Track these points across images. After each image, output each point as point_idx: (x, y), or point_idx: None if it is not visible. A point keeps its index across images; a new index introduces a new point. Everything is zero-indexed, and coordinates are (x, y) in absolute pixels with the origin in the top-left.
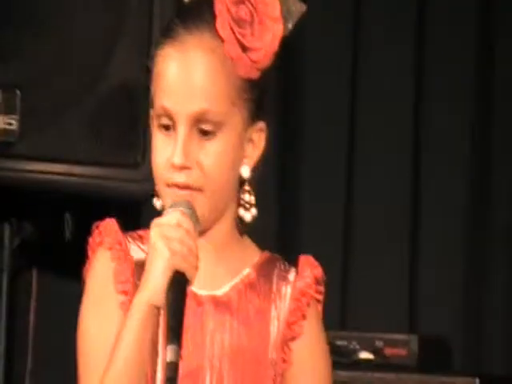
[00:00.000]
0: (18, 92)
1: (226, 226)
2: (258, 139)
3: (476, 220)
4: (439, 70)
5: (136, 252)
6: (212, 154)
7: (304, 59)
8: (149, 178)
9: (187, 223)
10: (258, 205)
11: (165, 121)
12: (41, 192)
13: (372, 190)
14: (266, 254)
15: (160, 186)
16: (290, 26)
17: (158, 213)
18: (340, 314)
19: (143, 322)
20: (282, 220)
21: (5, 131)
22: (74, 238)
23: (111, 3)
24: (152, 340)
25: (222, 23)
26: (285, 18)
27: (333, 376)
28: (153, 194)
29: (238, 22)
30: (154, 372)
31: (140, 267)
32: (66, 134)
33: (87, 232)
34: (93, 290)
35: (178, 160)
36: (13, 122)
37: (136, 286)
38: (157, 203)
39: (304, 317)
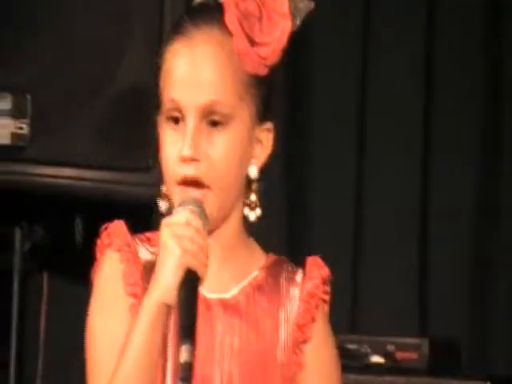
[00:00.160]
0: (28, 96)
1: (233, 226)
2: (265, 140)
3: (485, 222)
4: (449, 73)
5: (144, 254)
6: (221, 146)
7: (312, 57)
8: (159, 181)
9: (197, 221)
10: (266, 206)
11: (174, 113)
12: (51, 196)
13: (382, 190)
14: (272, 256)
15: (170, 185)
16: (297, 22)
17: (167, 216)
18: (351, 317)
19: (154, 320)
20: (291, 221)
21: (16, 135)
22: (84, 242)
23: (121, 5)
24: (162, 339)
25: (231, 18)
26: (292, 14)
27: (343, 379)
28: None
29: (247, 16)
30: (164, 372)
31: (149, 270)
32: (77, 138)
33: (97, 235)
34: (101, 291)
35: (187, 151)
36: (23, 126)
37: (145, 289)
38: (162, 205)
39: (313, 319)
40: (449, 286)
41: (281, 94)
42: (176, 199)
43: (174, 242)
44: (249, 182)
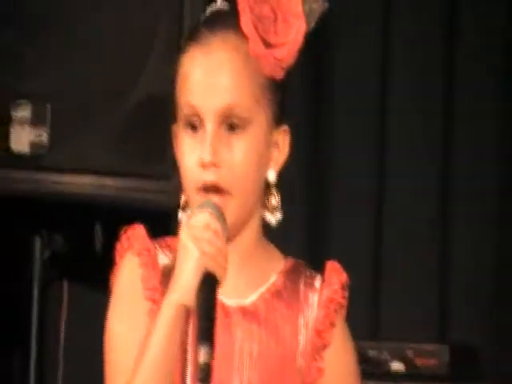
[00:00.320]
0: (47, 105)
1: (252, 232)
2: (282, 143)
3: (507, 229)
4: (468, 73)
5: (163, 259)
6: (240, 151)
7: (333, 56)
8: (178, 189)
9: (215, 224)
10: (286, 209)
11: (192, 119)
12: (71, 204)
13: (402, 197)
14: (291, 260)
15: (189, 192)
16: (312, 23)
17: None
18: (370, 323)
19: (173, 321)
20: (311, 225)
21: (35, 144)
22: (104, 250)
23: (141, 17)
24: (181, 341)
25: (246, 21)
26: (307, 15)
27: None
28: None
29: (261, 19)
30: (183, 374)
31: (167, 275)
32: (96, 146)
33: (117, 242)
34: (120, 295)
35: (207, 156)
36: (43, 134)
37: (163, 294)
38: (183, 217)
39: (333, 324)
40: (470, 294)
41: (303, 99)
42: (195, 206)
43: (193, 244)
44: (267, 186)
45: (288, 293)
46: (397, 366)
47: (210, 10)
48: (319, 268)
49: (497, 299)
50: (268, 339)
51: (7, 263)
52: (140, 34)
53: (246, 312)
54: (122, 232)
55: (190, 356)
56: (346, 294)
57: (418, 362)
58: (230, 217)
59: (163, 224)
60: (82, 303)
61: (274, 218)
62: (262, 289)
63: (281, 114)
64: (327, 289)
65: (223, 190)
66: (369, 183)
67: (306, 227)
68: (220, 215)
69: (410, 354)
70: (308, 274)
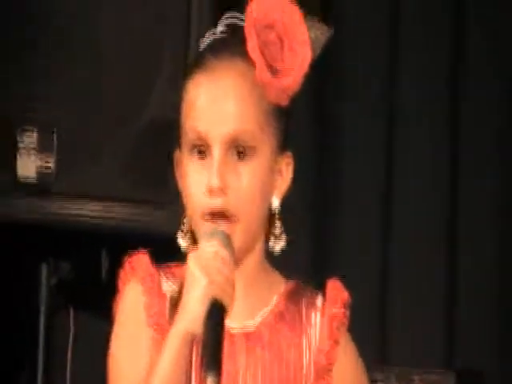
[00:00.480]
0: (54, 132)
1: (256, 257)
2: (286, 171)
3: None
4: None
5: (167, 287)
6: (247, 178)
7: (343, 59)
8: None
9: (224, 252)
10: (294, 227)
11: (198, 145)
12: (78, 231)
13: (410, 217)
14: (292, 281)
15: (195, 218)
16: (317, 51)
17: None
18: (377, 348)
19: (179, 349)
20: (318, 245)
21: (42, 171)
22: (110, 277)
23: (148, 43)
24: (186, 369)
25: (253, 47)
26: (312, 43)
27: None
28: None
29: (268, 45)
30: None
31: (172, 303)
32: (102, 173)
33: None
34: (123, 322)
35: (215, 182)
36: (49, 161)
37: (167, 322)
38: (183, 243)
39: (337, 342)
40: (477, 320)
41: (311, 122)
42: (202, 232)
43: (201, 272)
44: (271, 213)
45: (290, 314)
46: None
47: (211, 35)
48: (326, 282)
49: (503, 325)
50: (272, 362)
51: (14, 290)
52: (147, 60)
53: (250, 336)
54: (126, 259)
55: None
56: (348, 312)
57: None
58: (237, 242)
59: (169, 250)
60: (88, 330)
61: (277, 246)
62: (266, 311)
63: (285, 141)
64: (329, 307)
65: (230, 216)
66: (376, 198)
67: (313, 246)
68: (228, 243)
69: (416, 379)
70: (309, 294)
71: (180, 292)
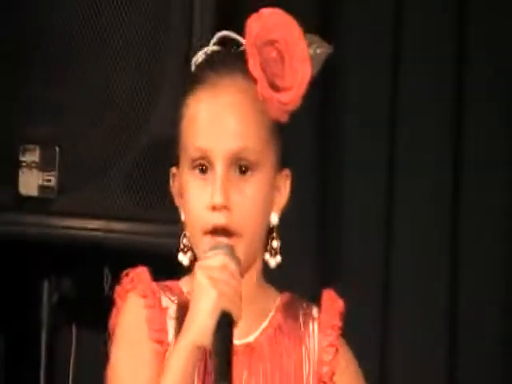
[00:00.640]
0: (56, 148)
1: (255, 273)
2: (283, 187)
3: None
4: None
5: (166, 302)
6: (249, 195)
7: (344, 60)
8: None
9: (231, 265)
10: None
11: (201, 161)
12: (80, 248)
13: (413, 226)
14: (286, 294)
15: (196, 235)
16: (317, 68)
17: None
18: (379, 373)
19: (187, 362)
20: (320, 259)
21: (43, 188)
22: (112, 294)
23: (150, 59)
24: (193, 382)
25: (254, 64)
26: (311, 59)
27: None
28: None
29: (269, 62)
30: None
31: (171, 318)
32: (105, 190)
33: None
34: (125, 336)
35: (218, 199)
36: (51, 178)
37: (168, 336)
38: (183, 259)
39: (337, 350)
40: (479, 346)
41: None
42: (205, 248)
43: (210, 284)
44: (269, 229)
45: (289, 326)
46: None
47: (203, 53)
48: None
49: (506, 353)
50: (273, 374)
51: (16, 307)
52: (150, 76)
53: (251, 350)
54: (124, 274)
55: None
56: (342, 322)
57: None
58: (239, 258)
59: (171, 267)
60: (90, 347)
61: (274, 261)
62: (265, 324)
63: (283, 158)
64: (326, 317)
65: (233, 232)
66: (378, 209)
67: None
68: (234, 256)
69: None
70: (304, 305)
71: (179, 306)
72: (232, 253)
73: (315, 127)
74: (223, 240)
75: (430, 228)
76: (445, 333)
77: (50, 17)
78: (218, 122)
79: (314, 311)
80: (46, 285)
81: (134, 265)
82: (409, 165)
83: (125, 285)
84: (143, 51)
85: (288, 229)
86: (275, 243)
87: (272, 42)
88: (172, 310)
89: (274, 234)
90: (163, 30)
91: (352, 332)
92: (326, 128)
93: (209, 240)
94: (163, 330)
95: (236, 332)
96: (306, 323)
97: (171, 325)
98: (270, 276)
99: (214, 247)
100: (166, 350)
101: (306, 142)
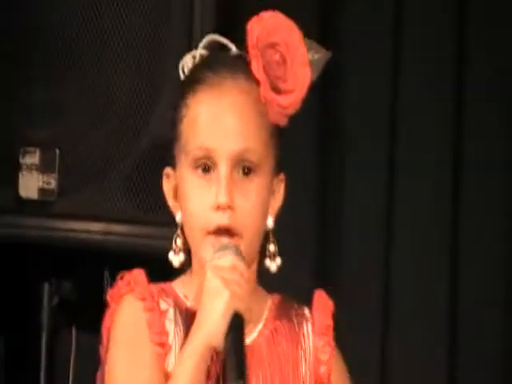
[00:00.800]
0: (56, 151)
1: (252, 275)
2: (278, 191)
3: None
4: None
5: (164, 305)
6: (252, 196)
7: (343, 59)
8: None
9: (241, 265)
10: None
11: (204, 161)
12: (80, 251)
13: (413, 228)
14: (276, 295)
15: (197, 235)
16: (316, 72)
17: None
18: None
19: (199, 363)
20: (320, 262)
21: (43, 190)
22: None
23: (150, 61)
24: (204, 380)
25: (258, 66)
26: (311, 64)
27: None
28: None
29: (272, 65)
30: None
31: (170, 320)
32: (105, 192)
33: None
34: (124, 338)
35: (223, 199)
36: (51, 181)
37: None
38: (174, 259)
39: (334, 349)
40: (479, 346)
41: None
42: (207, 248)
43: (223, 285)
44: (265, 232)
45: (284, 327)
46: None
47: (191, 57)
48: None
49: (506, 353)
50: (272, 375)
51: (16, 309)
52: (150, 78)
53: (250, 351)
54: (119, 277)
55: None
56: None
57: None
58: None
59: (170, 269)
60: (90, 350)
61: (275, 264)
62: (260, 326)
63: (279, 162)
64: (319, 317)
65: (235, 232)
66: (378, 209)
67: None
68: (242, 257)
69: None
70: (296, 305)
71: (177, 309)
72: (240, 253)
73: (315, 127)
74: (225, 240)
75: (430, 228)
76: (445, 333)
77: (49, 17)
78: (222, 122)
79: (306, 311)
80: (46, 287)
81: (133, 267)
82: (409, 165)
83: (120, 288)
84: (143, 53)
85: (288, 229)
86: (272, 247)
87: (273, 45)
88: (170, 312)
89: (271, 238)
90: (163, 32)
91: (352, 332)
92: (326, 128)
93: (212, 240)
94: (164, 332)
95: None
96: (299, 324)
97: (171, 327)
98: (269, 277)
99: (222, 248)
100: (167, 353)
101: (306, 141)
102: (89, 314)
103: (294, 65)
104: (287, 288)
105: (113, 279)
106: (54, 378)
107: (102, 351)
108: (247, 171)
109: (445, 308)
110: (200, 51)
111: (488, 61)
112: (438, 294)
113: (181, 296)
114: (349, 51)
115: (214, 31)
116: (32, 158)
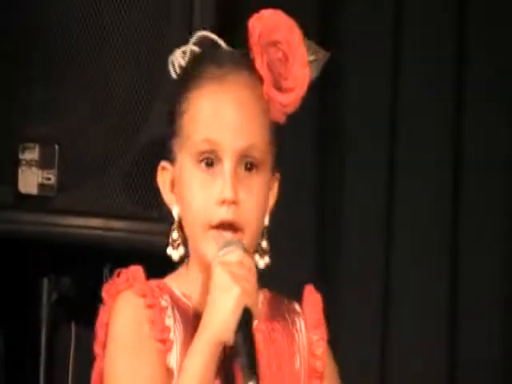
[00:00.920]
0: (56, 147)
1: None
2: (273, 188)
3: None
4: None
5: (163, 301)
6: (255, 192)
7: (343, 59)
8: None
9: (248, 261)
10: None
11: (208, 156)
12: (79, 246)
13: (413, 227)
14: (266, 290)
15: (198, 229)
16: (315, 72)
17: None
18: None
19: (209, 359)
20: (320, 267)
21: (43, 186)
22: None
23: (149, 59)
24: (213, 376)
25: (262, 63)
26: (310, 63)
27: None
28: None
29: (275, 62)
30: None
31: (169, 317)
32: (104, 188)
33: None
34: (124, 334)
35: (229, 194)
36: (51, 176)
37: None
38: (173, 253)
39: (327, 343)
40: (479, 345)
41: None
42: (210, 243)
43: (232, 281)
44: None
45: (279, 323)
46: None
47: (182, 53)
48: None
49: (506, 353)
50: (271, 370)
51: (15, 305)
52: (149, 75)
53: None
54: (116, 274)
55: None
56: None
57: None
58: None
59: (169, 265)
60: (89, 346)
61: (263, 262)
62: (255, 322)
63: (277, 160)
64: (311, 311)
65: (238, 227)
66: (378, 209)
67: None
68: (249, 252)
69: None
70: (286, 301)
71: (174, 305)
72: (246, 248)
73: (315, 127)
74: (228, 235)
75: (430, 228)
76: (445, 333)
77: (49, 15)
78: (227, 116)
79: (297, 307)
80: (45, 283)
81: (133, 263)
82: (409, 165)
83: (118, 284)
84: (143, 50)
85: (288, 229)
86: (265, 244)
87: (275, 43)
88: (169, 309)
89: (265, 235)
90: (163, 28)
91: (352, 332)
92: (326, 128)
93: (215, 234)
94: (166, 328)
95: None
96: (292, 320)
97: (170, 323)
98: (269, 276)
99: (226, 243)
100: (168, 349)
101: (305, 141)
102: (88, 310)
103: (294, 63)
104: (287, 288)
105: (112, 275)
106: (53, 373)
107: (96, 347)
108: (250, 167)
109: (445, 308)
110: (191, 47)
111: (488, 61)
112: (438, 294)
113: (176, 292)
114: (349, 51)
115: (214, 27)
116: (31, 154)
